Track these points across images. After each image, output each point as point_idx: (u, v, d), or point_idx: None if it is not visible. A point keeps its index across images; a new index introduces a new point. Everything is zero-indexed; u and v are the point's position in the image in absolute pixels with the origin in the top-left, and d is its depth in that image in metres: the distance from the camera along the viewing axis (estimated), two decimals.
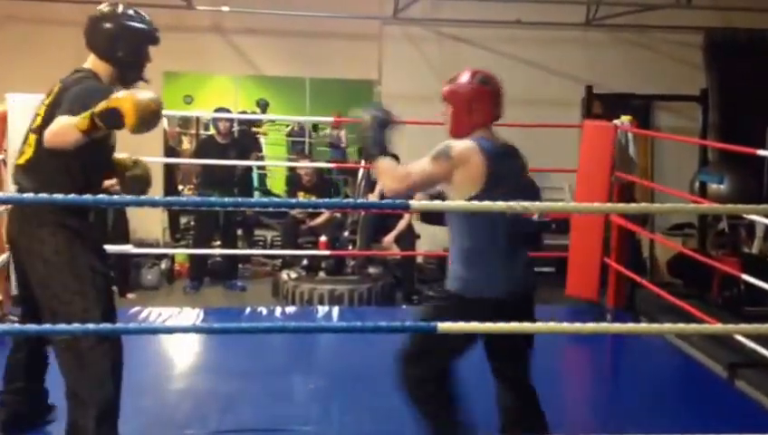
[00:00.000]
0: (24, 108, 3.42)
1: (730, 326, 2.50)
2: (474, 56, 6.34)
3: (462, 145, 2.12)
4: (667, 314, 3.78)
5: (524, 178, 2.24)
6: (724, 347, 3.47)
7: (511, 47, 6.35)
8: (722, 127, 6.10)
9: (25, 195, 1.99)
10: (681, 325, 2.03)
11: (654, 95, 6.19)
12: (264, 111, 7.34)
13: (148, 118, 2.04)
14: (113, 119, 2.01)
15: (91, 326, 1.89)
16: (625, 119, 4.16)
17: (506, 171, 2.12)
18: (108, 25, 2.26)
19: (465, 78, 2.20)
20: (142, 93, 2.07)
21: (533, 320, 2.08)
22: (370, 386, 2.96)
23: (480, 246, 2.09)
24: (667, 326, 2.26)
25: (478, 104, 2.16)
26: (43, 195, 1.71)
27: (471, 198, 2.02)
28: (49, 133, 2.12)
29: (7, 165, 3.39)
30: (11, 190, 3.21)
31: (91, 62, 2.35)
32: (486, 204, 1.99)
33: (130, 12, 2.29)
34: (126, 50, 2.26)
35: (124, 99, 2.02)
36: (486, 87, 2.18)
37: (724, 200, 4.73)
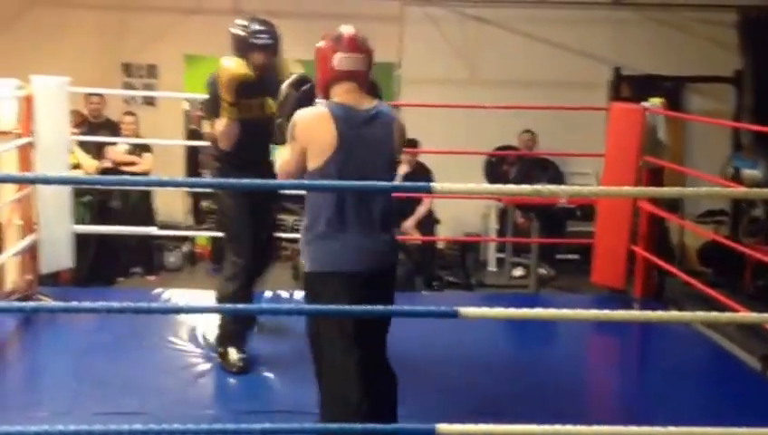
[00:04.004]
0: (48, 90, 3.49)
1: (764, 315, 2.37)
2: (497, 37, 6.19)
3: (303, 118, 2.04)
4: (696, 303, 3.65)
5: (385, 147, 2.07)
6: (758, 338, 3.34)
7: (535, 28, 6.18)
8: (756, 110, 5.86)
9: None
10: (714, 314, 1.91)
11: (685, 77, 5.99)
12: None
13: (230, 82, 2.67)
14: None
15: (115, 305, 1.84)
16: (655, 101, 4.00)
17: (357, 137, 2.00)
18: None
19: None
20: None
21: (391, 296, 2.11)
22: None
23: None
24: (698, 314, 2.14)
25: (322, 64, 2.06)
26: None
27: (319, 168, 1.98)
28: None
29: (35, 147, 3.42)
30: (38, 171, 3.36)
31: None
32: (518, 187, 1.86)
33: (244, 22, 2.82)
34: (235, 48, 2.81)
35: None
36: (327, 44, 2.06)
37: (759, 186, 4.55)
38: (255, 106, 2.81)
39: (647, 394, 2.94)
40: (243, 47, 2.77)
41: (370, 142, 2.02)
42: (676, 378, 3.04)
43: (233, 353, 2.83)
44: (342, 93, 2.04)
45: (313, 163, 2.01)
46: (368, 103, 2.05)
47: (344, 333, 2.04)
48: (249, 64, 2.75)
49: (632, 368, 3.38)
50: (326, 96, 2.07)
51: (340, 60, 2.01)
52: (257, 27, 2.77)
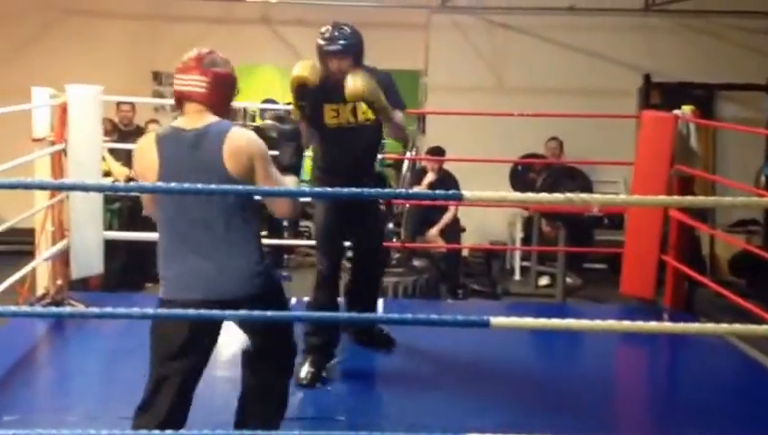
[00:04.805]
0: (83, 99, 3.54)
1: None
2: (524, 45, 6.16)
3: (137, 144, 2.05)
4: (728, 314, 3.55)
5: (215, 167, 1.92)
6: None
7: (564, 35, 6.13)
8: None
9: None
10: (752, 326, 1.86)
11: (717, 84, 5.89)
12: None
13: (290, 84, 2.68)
14: None
15: (149, 311, 1.86)
16: (687, 109, 3.93)
17: (180, 161, 1.94)
18: None
19: None
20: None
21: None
22: (411, 380, 2.90)
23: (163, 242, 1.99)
24: (735, 327, 2.09)
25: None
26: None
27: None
28: None
29: (68, 155, 3.48)
30: (70, 178, 3.38)
31: None
32: (551, 196, 1.72)
33: (323, 29, 2.83)
34: (317, 55, 2.83)
35: None
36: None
37: None
38: (344, 112, 2.79)
39: (678, 406, 2.87)
40: (319, 53, 2.81)
41: (195, 164, 1.92)
42: (708, 390, 2.97)
43: (303, 367, 2.76)
44: (183, 115, 2.01)
45: None
46: (200, 123, 1.97)
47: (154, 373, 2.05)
48: (327, 70, 2.76)
49: (663, 380, 3.31)
50: None
51: (175, 81, 2.01)
52: (331, 34, 2.79)
